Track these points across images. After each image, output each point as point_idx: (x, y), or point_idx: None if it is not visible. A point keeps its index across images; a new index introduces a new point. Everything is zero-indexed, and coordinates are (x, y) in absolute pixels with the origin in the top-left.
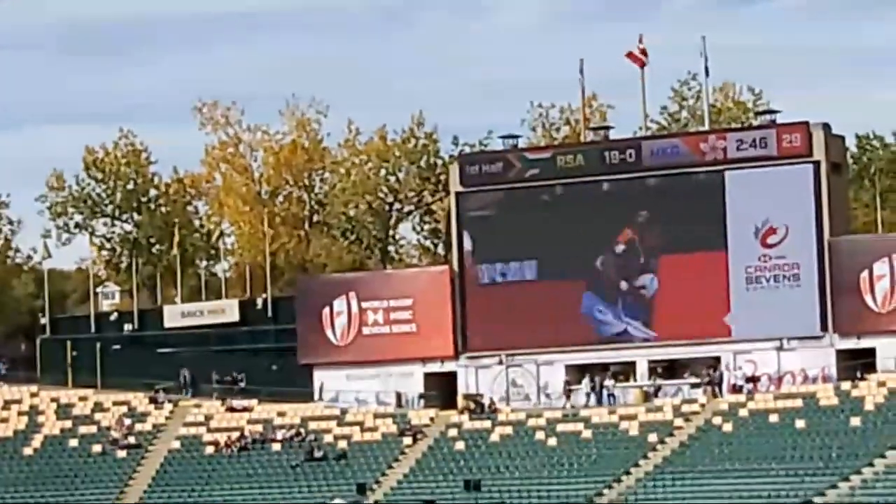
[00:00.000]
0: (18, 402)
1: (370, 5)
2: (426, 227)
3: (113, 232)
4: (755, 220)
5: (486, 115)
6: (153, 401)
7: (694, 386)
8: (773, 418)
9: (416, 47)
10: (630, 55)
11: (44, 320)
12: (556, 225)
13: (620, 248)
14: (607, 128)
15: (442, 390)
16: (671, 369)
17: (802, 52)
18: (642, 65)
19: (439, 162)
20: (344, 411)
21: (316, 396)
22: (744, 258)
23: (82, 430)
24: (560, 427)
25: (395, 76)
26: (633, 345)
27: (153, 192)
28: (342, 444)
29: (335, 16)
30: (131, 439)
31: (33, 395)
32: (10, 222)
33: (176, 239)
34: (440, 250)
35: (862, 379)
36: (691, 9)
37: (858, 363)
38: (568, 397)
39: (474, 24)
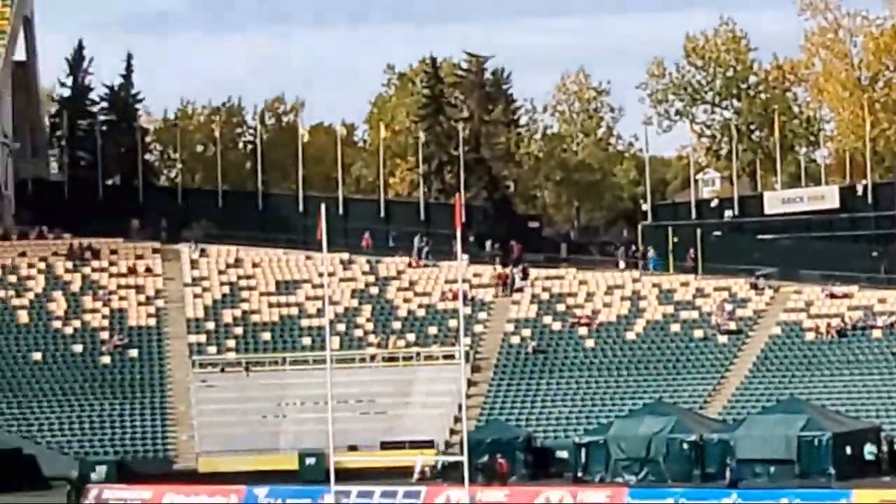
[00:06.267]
0: (621, 287)
1: None
2: None
3: (713, 119)
4: None
5: None
6: (754, 287)
7: None
8: None
9: None
10: None
11: (645, 207)
12: None
13: None
14: None
15: None
16: None
17: None
18: None
19: None
20: None
21: None
22: None
23: (683, 315)
24: None
25: None
26: None
27: (753, 78)
28: None
29: None
30: (732, 325)
31: (635, 280)
32: (612, 109)
33: (776, 125)
34: None
35: None
36: None
37: None
38: None
39: None
